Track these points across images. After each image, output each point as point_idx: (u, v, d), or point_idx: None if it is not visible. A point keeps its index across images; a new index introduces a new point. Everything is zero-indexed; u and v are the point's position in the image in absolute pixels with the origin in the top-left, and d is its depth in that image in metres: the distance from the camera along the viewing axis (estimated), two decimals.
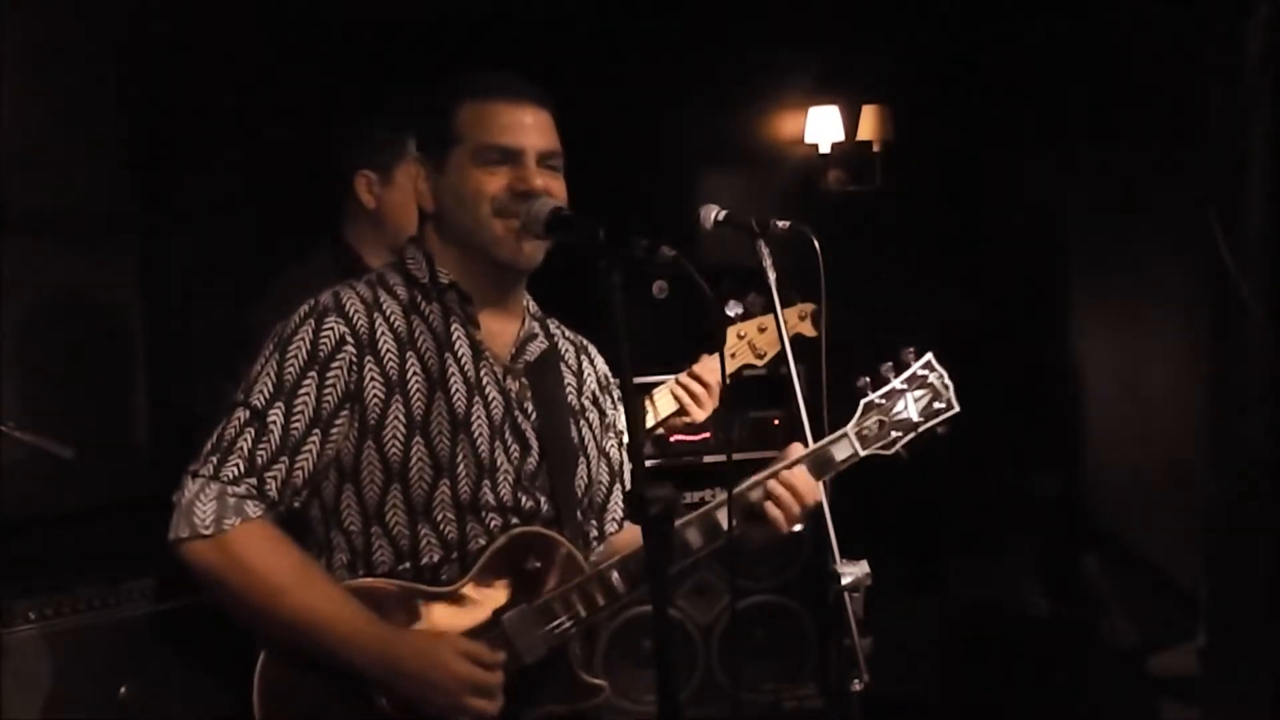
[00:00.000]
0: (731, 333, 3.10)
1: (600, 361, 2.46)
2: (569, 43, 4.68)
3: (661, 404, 3.09)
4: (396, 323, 2.19)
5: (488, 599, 2.15)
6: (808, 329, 3.06)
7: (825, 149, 5.07)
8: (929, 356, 2.44)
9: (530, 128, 2.20)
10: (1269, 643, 3.40)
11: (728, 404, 3.09)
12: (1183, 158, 3.75)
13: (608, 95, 4.70)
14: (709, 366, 3.07)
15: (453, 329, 2.22)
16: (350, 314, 2.16)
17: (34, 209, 3.68)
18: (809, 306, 3.03)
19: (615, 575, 2.18)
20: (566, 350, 2.40)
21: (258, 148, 4.16)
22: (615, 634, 4.02)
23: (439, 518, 2.15)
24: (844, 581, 2.40)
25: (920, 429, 2.39)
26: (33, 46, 3.71)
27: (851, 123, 5.08)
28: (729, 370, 3.07)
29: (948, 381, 2.42)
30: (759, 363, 3.12)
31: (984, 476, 4.84)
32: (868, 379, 2.41)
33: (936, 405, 2.40)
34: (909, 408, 2.38)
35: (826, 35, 4.94)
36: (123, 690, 3.02)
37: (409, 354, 2.17)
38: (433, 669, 2.08)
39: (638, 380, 2.34)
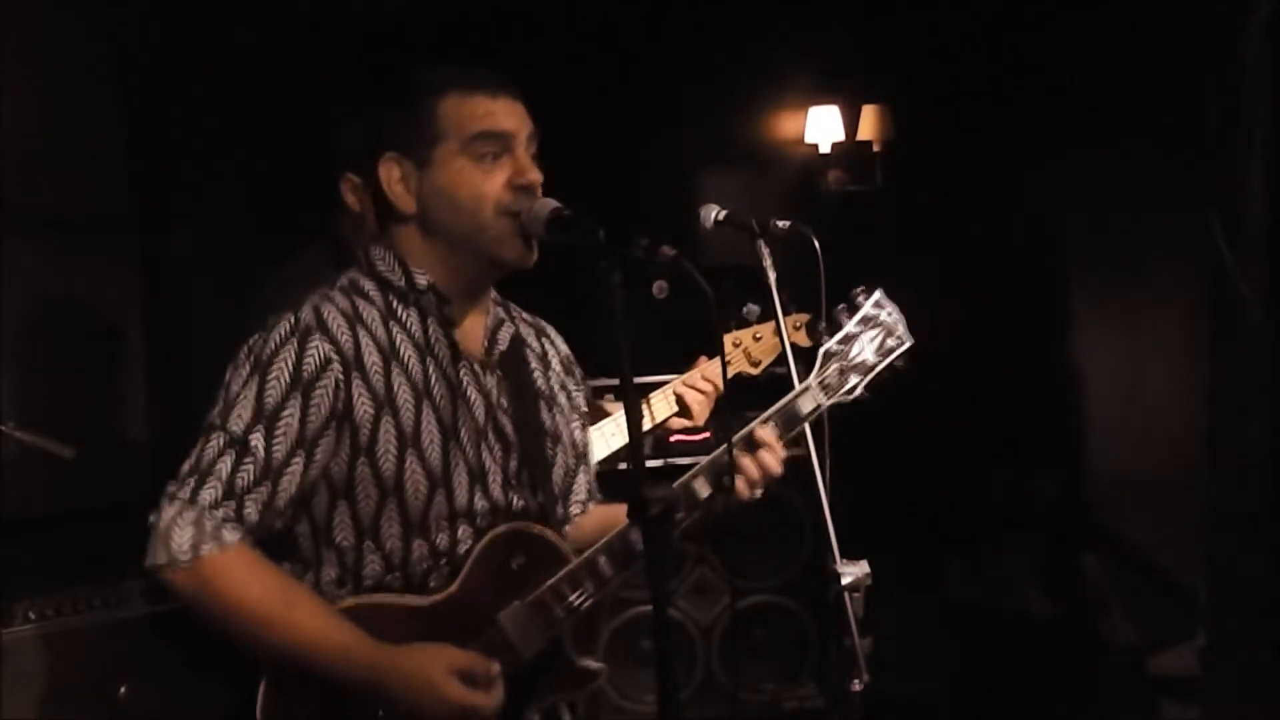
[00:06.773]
0: (727, 340, 3.10)
1: (560, 342, 2.43)
2: (570, 43, 4.68)
3: (658, 408, 3.08)
4: (378, 333, 2.15)
5: (480, 601, 2.14)
6: (802, 339, 3.06)
7: (825, 149, 5.07)
8: (878, 294, 2.42)
9: (514, 114, 2.18)
10: (1269, 643, 3.41)
11: (727, 404, 3.08)
12: (1183, 158, 3.74)
13: (609, 95, 4.70)
14: (714, 370, 3.06)
15: (431, 332, 2.19)
16: (335, 331, 2.11)
17: (34, 209, 3.68)
18: (804, 316, 3.02)
19: (602, 559, 2.16)
20: (528, 334, 2.37)
21: (256, 147, 4.16)
22: (615, 634, 4.01)
23: (433, 529, 2.14)
24: (844, 581, 2.40)
25: (877, 369, 2.37)
26: (32, 46, 3.71)
27: (851, 123, 5.08)
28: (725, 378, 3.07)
29: (898, 316, 2.41)
30: (754, 370, 3.12)
31: (984, 476, 4.84)
32: (823, 325, 2.41)
33: (890, 343, 2.39)
34: (864, 350, 2.38)
35: (826, 35, 4.94)
36: (122, 690, 3.01)
37: (393, 366, 2.14)
38: (423, 692, 2.06)
39: (637, 380, 2.33)
